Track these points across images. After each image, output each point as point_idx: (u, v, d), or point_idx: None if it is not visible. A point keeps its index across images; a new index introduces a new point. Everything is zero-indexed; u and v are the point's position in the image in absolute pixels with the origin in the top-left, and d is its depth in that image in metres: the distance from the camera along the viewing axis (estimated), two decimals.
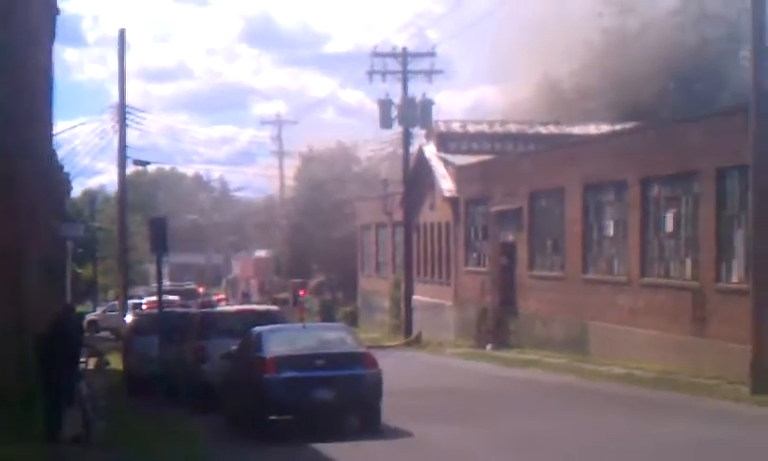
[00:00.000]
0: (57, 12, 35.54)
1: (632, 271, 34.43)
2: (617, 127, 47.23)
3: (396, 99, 53.30)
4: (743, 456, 17.66)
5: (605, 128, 50.62)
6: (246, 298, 76.55)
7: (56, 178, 43.99)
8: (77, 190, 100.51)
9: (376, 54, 54.22)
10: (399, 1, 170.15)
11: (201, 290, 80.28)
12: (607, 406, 24.78)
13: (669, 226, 32.61)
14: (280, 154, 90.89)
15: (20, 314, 24.02)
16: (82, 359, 21.95)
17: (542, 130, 54.37)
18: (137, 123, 57.44)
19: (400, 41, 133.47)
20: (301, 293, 65.27)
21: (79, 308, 51.22)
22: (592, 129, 52.57)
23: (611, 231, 36.43)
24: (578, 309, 37.84)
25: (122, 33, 55.24)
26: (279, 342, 21.88)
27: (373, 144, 72.53)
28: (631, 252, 34.59)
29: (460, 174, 50.33)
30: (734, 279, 29.08)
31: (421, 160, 54.67)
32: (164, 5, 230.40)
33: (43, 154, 33.35)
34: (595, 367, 32.64)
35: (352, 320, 63.80)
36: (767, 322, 25.11)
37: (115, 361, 34.23)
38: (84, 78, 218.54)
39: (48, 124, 36.24)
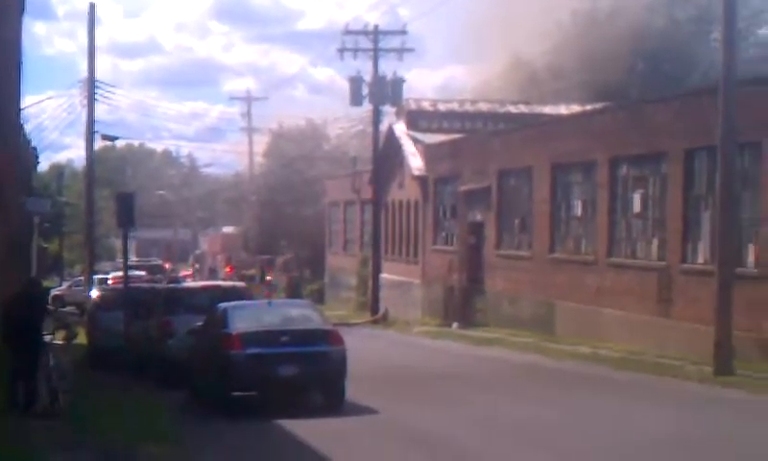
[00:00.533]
0: None
1: (599, 251, 34.53)
2: (587, 107, 47.30)
3: (367, 77, 53.16)
4: (700, 437, 17.71)
5: (575, 108, 50.75)
6: (213, 274, 76.37)
7: (23, 152, 43.64)
8: (44, 165, 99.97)
9: (348, 31, 54.00)
10: None
11: (167, 266, 79.99)
12: (572, 386, 24.83)
13: (637, 206, 32.70)
14: (250, 130, 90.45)
15: None
16: (47, 333, 21.89)
17: (513, 109, 54.45)
18: (106, 98, 57.19)
19: (372, 19, 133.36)
20: (268, 278, 65.04)
21: (45, 283, 50.91)
22: (563, 109, 52.71)
23: (578, 211, 36.51)
24: (545, 288, 37.93)
25: (92, 7, 54.90)
26: (245, 318, 21.84)
27: (343, 122, 72.52)
28: (598, 231, 34.67)
29: (429, 152, 50.31)
30: (700, 260, 29.22)
31: (391, 139, 54.62)
32: None
33: (10, 128, 33.07)
34: (561, 346, 32.73)
35: (319, 297, 63.82)
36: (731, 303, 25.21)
37: (80, 336, 34.07)
38: (53, 52, 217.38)
39: (16, 98, 35.95)
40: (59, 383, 21.18)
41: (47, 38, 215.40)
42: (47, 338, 21.83)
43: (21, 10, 35.34)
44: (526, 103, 56.07)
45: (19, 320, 20.40)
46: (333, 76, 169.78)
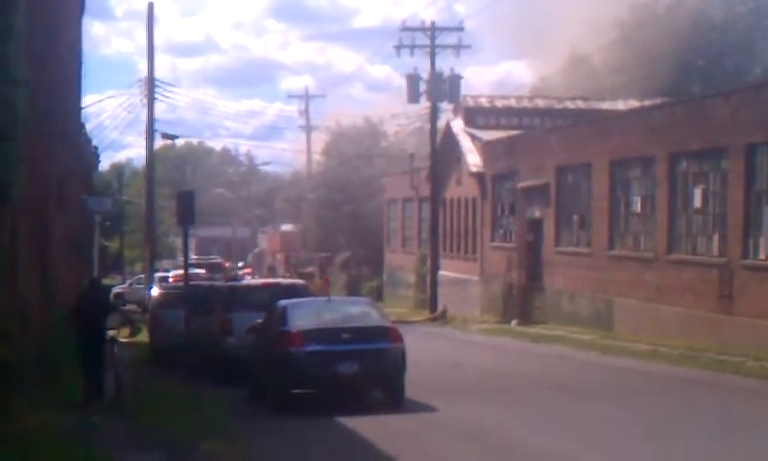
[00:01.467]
0: None
1: (658, 247, 34.32)
2: (646, 102, 47.01)
3: (424, 74, 53.21)
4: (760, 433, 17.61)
5: (633, 103, 50.43)
6: (272, 272, 76.75)
7: (84, 151, 44.11)
8: (105, 164, 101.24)
9: (405, 28, 54.16)
10: None
11: (227, 264, 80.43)
12: (634, 382, 24.73)
13: (697, 202, 32.46)
14: (308, 128, 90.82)
15: (47, 285, 24.19)
16: (112, 328, 22.28)
17: (570, 105, 54.21)
18: (166, 97, 57.83)
19: (428, 15, 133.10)
20: (326, 277, 65.35)
21: (105, 281, 51.41)
22: (620, 104, 52.38)
23: (638, 207, 36.30)
24: (604, 285, 37.76)
25: (151, 6, 55.56)
26: (304, 316, 21.89)
27: (401, 119, 72.54)
28: (658, 228, 34.46)
29: (487, 149, 50.24)
30: (762, 255, 28.94)
31: (449, 135, 54.61)
32: None
33: (72, 127, 33.47)
34: (621, 343, 32.54)
35: (378, 295, 63.88)
36: None
37: (141, 334, 34.44)
38: (112, 52, 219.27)
39: (77, 97, 36.39)
40: (123, 377, 21.55)
41: (106, 38, 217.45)
42: (112, 332, 22.17)
43: (81, 10, 35.77)
44: (584, 99, 55.82)
45: (84, 321, 20.81)
46: (390, 73, 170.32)
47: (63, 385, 21.33)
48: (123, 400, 20.94)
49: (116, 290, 63.82)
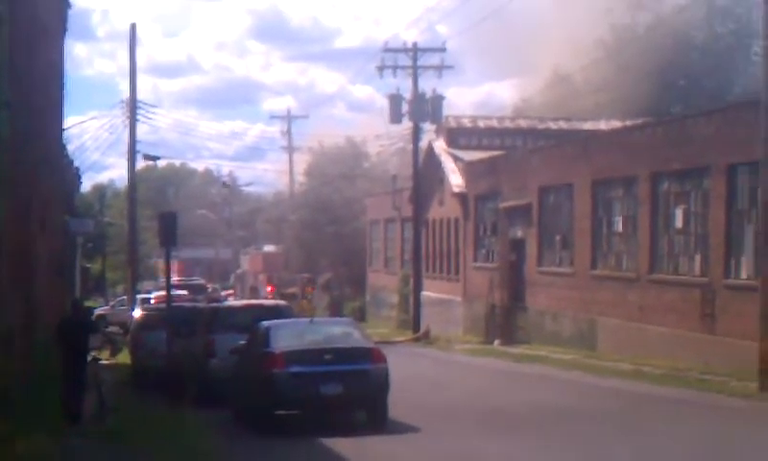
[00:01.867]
0: (68, 5, 35.57)
1: (641, 267, 34.38)
2: (627, 122, 47.17)
3: (407, 94, 53.22)
4: (745, 455, 17.61)
5: (615, 123, 50.60)
6: (254, 292, 76.63)
7: (66, 173, 43.99)
8: (86, 185, 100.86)
9: (387, 49, 54.11)
10: None
11: (209, 285, 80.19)
12: (617, 401, 24.72)
13: (679, 222, 32.56)
14: (290, 149, 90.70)
15: (29, 307, 24.09)
16: (94, 348, 22.28)
17: (552, 125, 54.37)
18: (148, 118, 57.61)
19: (410, 36, 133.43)
20: (309, 289, 65.44)
21: (88, 303, 51.21)
22: (602, 124, 52.54)
23: (620, 227, 36.39)
24: (586, 305, 37.80)
25: (133, 27, 55.32)
26: (287, 337, 21.86)
27: (383, 139, 72.53)
28: (640, 248, 34.54)
29: (469, 169, 50.31)
30: (743, 275, 29.02)
31: (431, 156, 54.66)
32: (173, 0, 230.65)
33: (54, 148, 33.37)
34: (604, 363, 32.56)
35: (360, 315, 63.82)
36: None
37: (123, 356, 34.29)
38: (94, 73, 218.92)
39: (59, 118, 36.25)
40: (106, 397, 21.52)
41: (88, 59, 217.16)
42: (94, 352, 22.13)
43: (63, 31, 35.68)
44: (566, 119, 55.98)
45: (67, 343, 20.78)
46: (372, 94, 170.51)
47: (47, 408, 21.21)
48: (105, 421, 20.85)
49: (99, 312, 63.50)
